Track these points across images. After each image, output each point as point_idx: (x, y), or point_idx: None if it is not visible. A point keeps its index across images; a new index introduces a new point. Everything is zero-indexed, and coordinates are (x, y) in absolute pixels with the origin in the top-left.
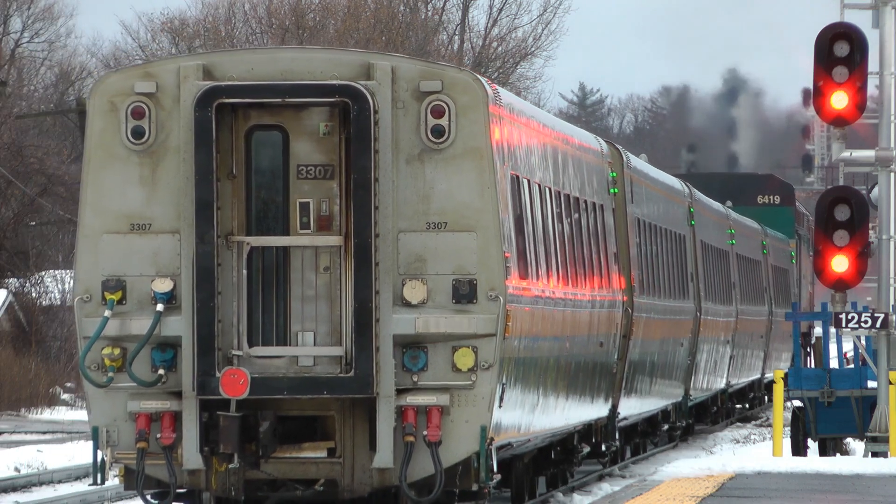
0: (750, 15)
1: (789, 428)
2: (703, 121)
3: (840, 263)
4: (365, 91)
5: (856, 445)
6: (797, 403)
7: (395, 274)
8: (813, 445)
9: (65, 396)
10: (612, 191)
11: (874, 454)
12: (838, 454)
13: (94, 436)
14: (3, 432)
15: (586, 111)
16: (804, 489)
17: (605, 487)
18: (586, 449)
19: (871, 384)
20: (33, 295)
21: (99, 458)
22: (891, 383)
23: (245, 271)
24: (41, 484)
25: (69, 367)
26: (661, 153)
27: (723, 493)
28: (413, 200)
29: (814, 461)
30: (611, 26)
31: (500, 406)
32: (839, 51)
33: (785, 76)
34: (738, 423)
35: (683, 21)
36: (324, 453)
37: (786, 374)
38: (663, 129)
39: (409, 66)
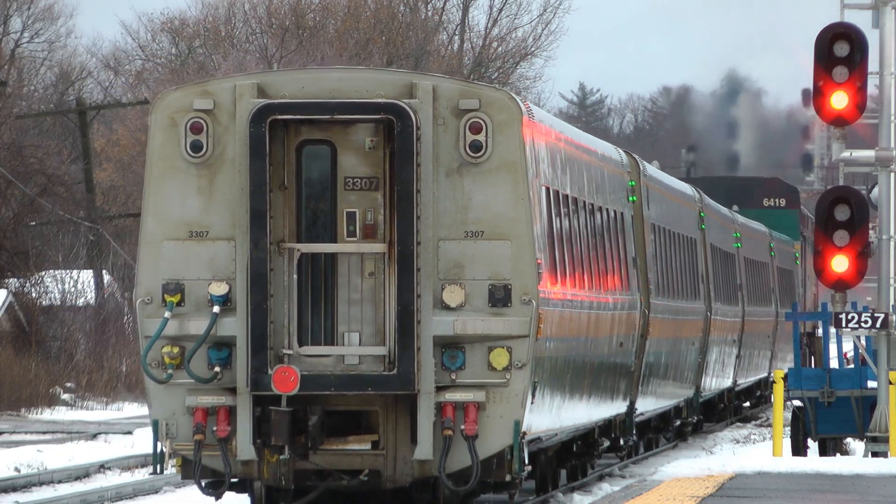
0: (750, 15)
1: (789, 428)
2: (703, 121)
3: (840, 263)
4: (408, 109)
5: (856, 445)
6: (797, 403)
7: (436, 279)
8: (813, 445)
9: (65, 396)
10: (630, 198)
11: (874, 454)
12: (838, 454)
13: (155, 428)
14: (3, 432)
15: (586, 111)
16: (804, 489)
17: (605, 487)
18: (606, 443)
19: (871, 384)
20: (33, 295)
21: (158, 450)
22: (891, 383)
23: (295, 276)
24: (41, 484)
25: (69, 367)
26: (661, 153)
27: (723, 493)
28: (452, 211)
29: (814, 461)
30: (611, 26)
31: (531, 402)
32: (839, 51)
33: (785, 76)
34: (739, 423)
35: (684, 21)
36: (368, 446)
37: (786, 374)
38: (663, 129)
39: (449, 85)
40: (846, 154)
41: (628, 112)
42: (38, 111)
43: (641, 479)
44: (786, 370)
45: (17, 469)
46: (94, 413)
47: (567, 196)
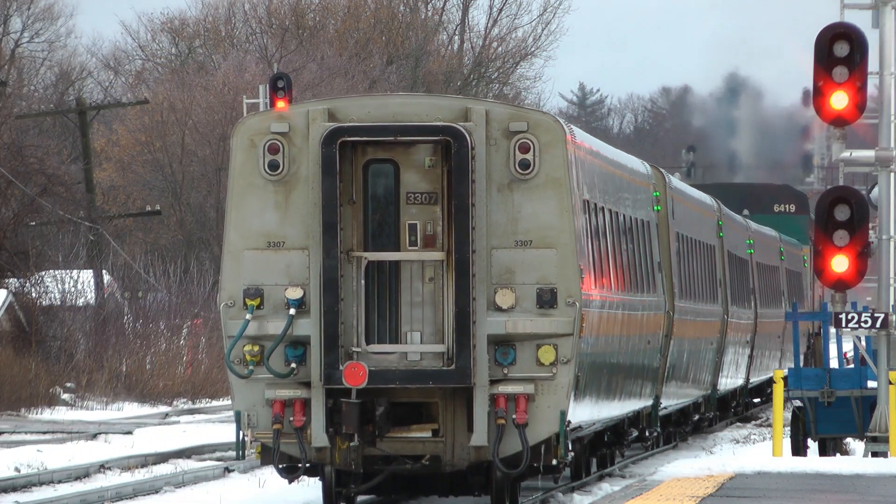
0: (750, 15)
1: (789, 428)
2: (703, 121)
3: (840, 263)
4: (464, 131)
5: (856, 445)
6: (797, 403)
7: (489, 284)
8: (813, 445)
9: (65, 396)
10: (656, 208)
11: (874, 454)
12: (838, 454)
13: (237, 418)
14: (3, 432)
15: (586, 111)
16: (804, 489)
17: (605, 487)
18: (634, 433)
19: (871, 384)
20: (33, 295)
21: (240, 438)
22: (891, 383)
23: (363, 281)
24: (41, 484)
25: (69, 367)
26: (661, 153)
27: (723, 493)
28: (503, 222)
29: (814, 461)
30: (611, 26)
31: (574, 394)
32: (839, 51)
33: (785, 76)
34: (738, 423)
35: (684, 21)
36: (429, 433)
37: (786, 374)
38: (663, 129)
39: (500, 109)
40: (846, 154)
41: (628, 112)
42: (38, 111)
43: (641, 479)
44: (786, 370)
45: (17, 469)
46: (94, 413)
47: (602, 207)
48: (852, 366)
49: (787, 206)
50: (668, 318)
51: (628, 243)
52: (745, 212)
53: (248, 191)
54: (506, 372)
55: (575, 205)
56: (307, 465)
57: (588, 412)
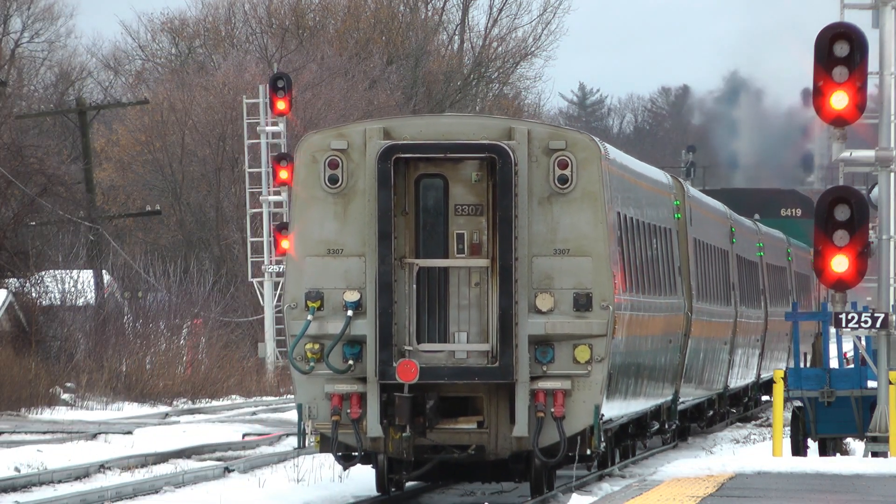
0: (750, 15)
1: (789, 428)
2: (703, 121)
3: (840, 263)
4: (508, 149)
5: (856, 445)
6: (797, 403)
7: (530, 288)
8: (813, 445)
9: (65, 396)
10: (676, 216)
11: (874, 454)
12: (838, 454)
13: (299, 411)
14: (3, 432)
15: (586, 111)
16: (804, 489)
17: (605, 487)
18: (656, 425)
19: (872, 384)
20: (33, 295)
21: (302, 428)
22: (891, 383)
23: (414, 286)
24: (41, 484)
25: (69, 367)
26: (661, 153)
27: (723, 493)
28: (543, 232)
29: (814, 461)
30: (611, 26)
31: (607, 390)
32: (839, 51)
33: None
34: (738, 423)
35: (684, 21)
36: (474, 425)
37: (785, 374)
38: (663, 129)
39: (541, 129)
40: (846, 154)
41: (628, 112)
42: (38, 111)
43: (641, 479)
44: (785, 370)
45: (17, 469)
46: (94, 413)
47: (630, 217)
48: (852, 366)
49: (793, 210)
50: (687, 319)
51: (652, 250)
52: (756, 216)
53: (310, 203)
54: (545, 369)
55: (608, 216)
56: (363, 453)
57: (618, 406)
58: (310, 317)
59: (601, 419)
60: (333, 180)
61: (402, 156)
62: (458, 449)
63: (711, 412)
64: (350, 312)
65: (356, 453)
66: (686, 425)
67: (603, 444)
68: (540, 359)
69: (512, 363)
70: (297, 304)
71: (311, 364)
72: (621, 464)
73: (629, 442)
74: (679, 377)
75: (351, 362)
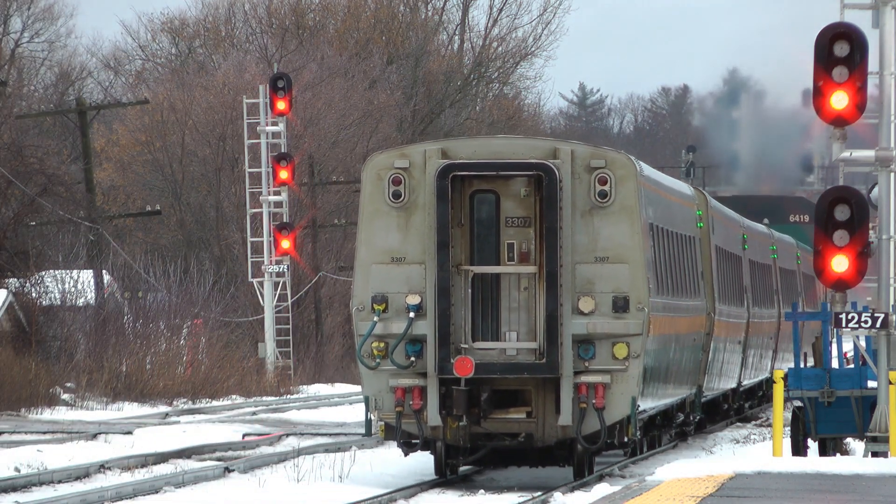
0: (750, 15)
1: (789, 428)
2: (703, 121)
3: (840, 263)
4: (553, 167)
5: (856, 445)
6: (797, 403)
7: (573, 292)
8: (813, 445)
9: (65, 396)
10: (699, 225)
11: (874, 454)
12: (838, 454)
13: (366, 402)
14: (3, 432)
15: (586, 111)
16: (804, 489)
17: (605, 487)
18: (681, 417)
19: (872, 384)
20: (33, 295)
21: (368, 418)
22: (891, 383)
23: (469, 290)
24: (41, 484)
25: (69, 367)
26: (661, 153)
27: (723, 493)
28: (585, 242)
29: (814, 461)
30: (611, 26)
31: (642, 384)
32: (839, 51)
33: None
34: (738, 423)
35: (684, 21)
36: (524, 415)
37: (785, 374)
38: (663, 129)
39: (583, 149)
40: (846, 154)
41: (628, 112)
42: (38, 111)
43: (641, 479)
44: (786, 370)
45: (17, 469)
46: (94, 413)
47: (661, 228)
48: (852, 366)
49: (801, 216)
50: (710, 319)
51: (680, 256)
52: (766, 220)
53: (375, 216)
54: (587, 365)
55: (643, 227)
56: (423, 440)
57: (650, 399)
58: (376, 318)
59: (637, 410)
60: (397, 195)
61: (459, 173)
62: (509, 436)
63: (727, 406)
64: (412, 314)
65: (416, 441)
66: (702, 417)
67: (638, 433)
68: (582, 355)
69: (557, 359)
70: (364, 307)
71: (377, 360)
72: (621, 463)
73: (656, 433)
74: (702, 372)
75: (413, 359)
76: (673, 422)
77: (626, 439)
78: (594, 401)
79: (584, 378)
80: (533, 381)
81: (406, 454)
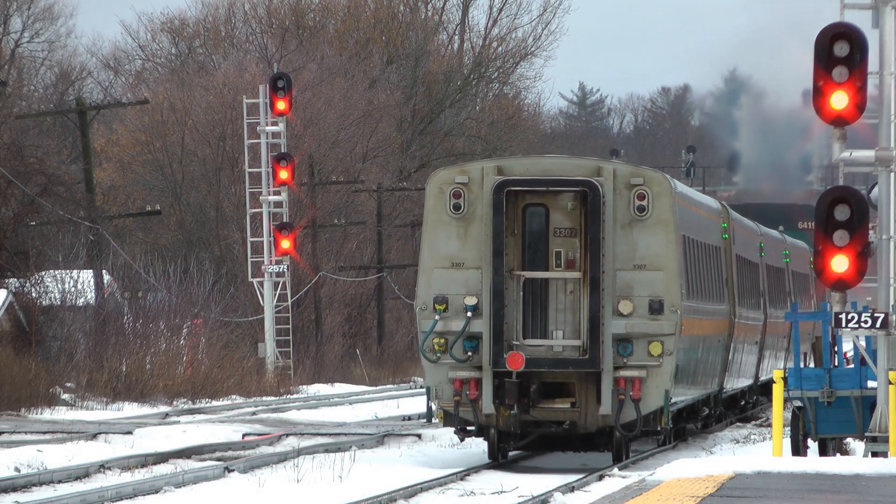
0: (750, 15)
1: (789, 428)
2: (703, 121)
3: (840, 263)
4: (597, 183)
5: (856, 445)
6: (797, 403)
7: (613, 296)
8: (813, 445)
9: (65, 396)
10: (723, 236)
11: (874, 454)
12: (838, 454)
13: (428, 392)
14: (3, 432)
15: (586, 111)
16: (804, 489)
17: (605, 487)
18: (706, 411)
19: (872, 384)
20: (33, 295)
21: (429, 406)
22: (891, 383)
23: (521, 293)
24: (41, 484)
25: (69, 367)
26: (661, 153)
27: (723, 493)
28: (625, 251)
29: (814, 461)
30: (611, 26)
31: (674, 378)
32: (839, 51)
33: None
34: (738, 423)
35: (684, 21)
36: (568, 405)
37: (785, 374)
38: (663, 129)
39: (623, 168)
40: (846, 154)
41: (628, 112)
42: (38, 111)
43: (641, 479)
44: (786, 370)
45: (17, 469)
46: (94, 413)
47: (691, 239)
48: (852, 366)
49: (809, 223)
50: (731, 322)
51: (707, 265)
52: (780, 227)
53: (437, 226)
54: (625, 361)
55: (676, 238)
56: (478, 427)
57: (680, 392)
58: (437, 317)
59: (669, 401)
60: (456, 207)
61: (513, 188)
62: (555, 424)
63: (744, 402)
64: (469, 314)
65: (471, 427)
66: (722, 411)
67: (670, 423)
68: (621, 352)
69: (599, 356)
70: (426, 307)
71: (438, 355)
72: (621, 464)
73: (682, 425)
74: (723, 370)
75: (470, 354)
76: (698, 415)
77: (659, 428)
78: (631, 393)
79: (623, 372)
80: (577, 374)
81: (462, 439)
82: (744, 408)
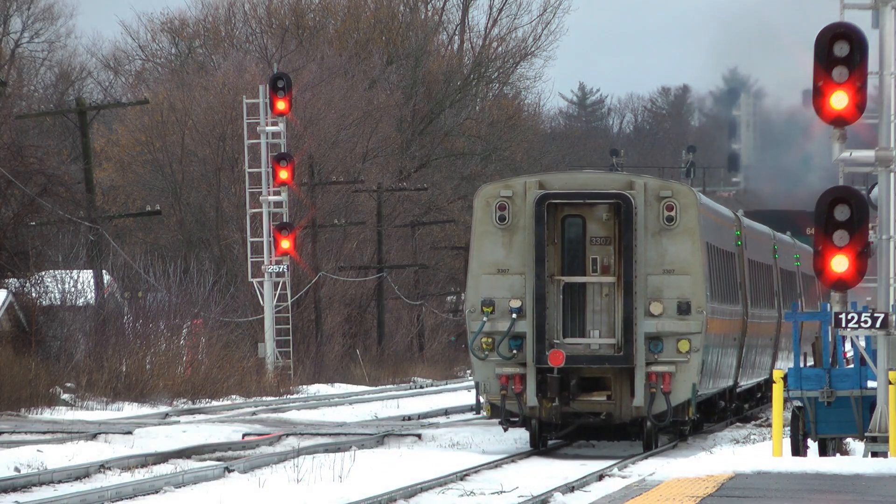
0: (750, 15)
1: (789, 428)
2: (703, 121)
3: (840, 263)
4: (630, 196)
5: (856, 445)
6: (797, 403)
7: (645, 298)
8: (813, 445)
9: (65, 396)
10: (737, 243)
11: (874, 454)
12: (838, 454)
13: (476, 387)
14: (3, 432)
15: (586, 111)
16: (804, 489)
17: (605, 487)
18: (722, 404)
19: (872, 384)
20: (33, 295)
21: (478, 399)
22: (891, 383)
23: (561, 296)
24: (41, 484)
25: (69, 367)
26: (661, 153)
27: (722, 493)
28: (655, 258)
29: (813, 461)
30: (611, 26)
31: (700, 373)
32: (839, 51)
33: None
34: (738, 423)
35: (684, 21)
36: (605, 398)
37: (785, 374)
38: (663, 129)
39: (653, 182)
40: (846, 154)
41: (628, 112)
42: (38, 111)
43: (641, 479)
44: (786, 370)
45: (17, 469)
46: (94, 413)
47: (713, 246)
48: (852, 366)
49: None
50: (745, 322)
51: (726, 269)
52: (788, 233)
53: (484, 235)
54: (656, 357)
55: (701, 246)
56: (522, 418)
57: (705, 386)
58: (485, 318)
59: (696, 394)
60: (502, 219)
61: (553, 201)
62: (592, 415)
63: (759, 394)
64: (514, 315)
65: (515, 419)
66: (735, 405)
67: (697, 414)
68: (652, 349)
69: (632, 353)
70: (475, 309)
71: (486, 353)
72: (621, 463)
73: (700, 416)
74: (738, 366)
75: (515, 351)
76: (715, 408)
77: (686, 418)
78: (662, 386)
79: (654, 368)
80: (612, 370)
81: (506, 429)
82: (760, 400)
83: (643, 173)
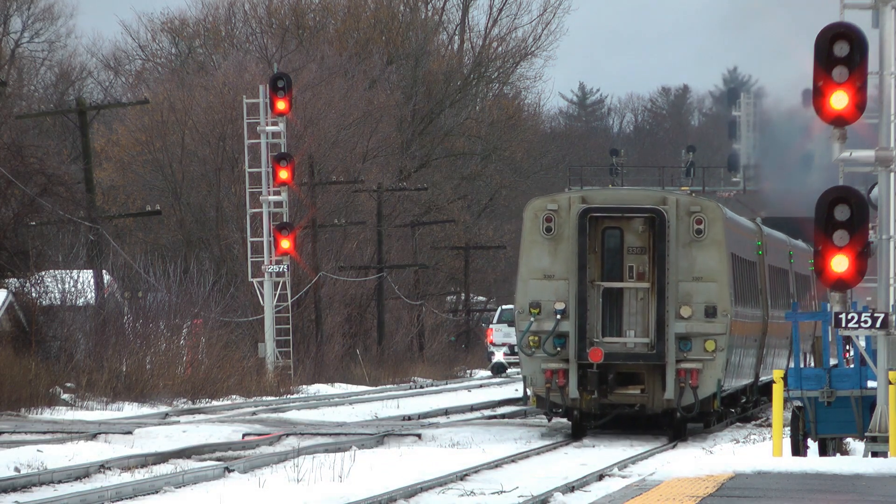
0: (750, 15)
1: (789, 428)
2: (703, 121)
3: (840, 263)
4: (663, 211)
5: (856, 445)
6: (797, 403)
7: (676, 302)
8: (813, 445)
9: (65, 396)
10: (758, 252)
11: (874, 454)
12: (838, 454)
13: (524, 380)
14: (3, 432)
15: (586, 111)
16: (804, 489)
17: (605, 487)
18: (743, 399)
19: (872, 384)
20: (33, 295)
21: (526, 392)
22: (891, 383)
23: (600, 299)
24: (41, 484)
25: (69, 367)
26: (661, 153)
27: (722, 493)
28: (685, 266)
29: (814, 461)
30: (611, 26)
31: (725, 370)
32: (839, 51)
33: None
34: (738, 423)
35: (684, 21)
36: (639, 391)
37: (785, 374)
38: (663, 129)
39: (684, 198)
40: (846, 154)
41: (628, 112)
42: (38, 111)
43: (641, 479)
44: (786, 370)
45: (17, 469)
46: (94, 413)
47: (736, 255)
48: (852, 366)
49: None
50: (765, 323)
51: (748, 276)
52: (799, 239)
53: (532, 245)
54: (685, 355)
55: (727, 256)
56: (565, 409)
57: (729, 382)
58: (532, 319)
59: (721, 389)
60: (548, 230)
61: (594, 214)
62: (627, 407)
63: None
64: (558, 316)
65: (558, 410)
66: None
67: (721, 407)
68: (682, 348)
69: (664, 351)
70: (523, 311)
71: (533, 350)
72: (621, 463)
73: (722, 409)
74: (758, 364)
75: (558, 349)
76: (737, 403)
77: (711, 410)
78: (690, 381)
79: (683, 365)
80: (646, 366)
81: (549, 419)
82: None
83: (651, 179)
